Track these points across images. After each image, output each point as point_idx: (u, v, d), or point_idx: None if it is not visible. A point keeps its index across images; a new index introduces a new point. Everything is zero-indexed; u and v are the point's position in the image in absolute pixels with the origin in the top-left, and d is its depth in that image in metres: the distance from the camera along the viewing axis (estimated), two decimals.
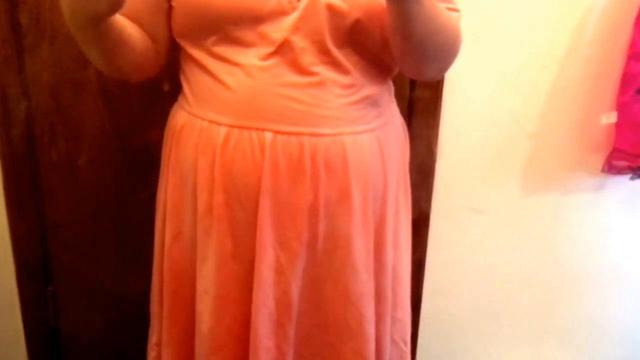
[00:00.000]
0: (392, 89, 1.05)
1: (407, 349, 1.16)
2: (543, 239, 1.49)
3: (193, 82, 0.96)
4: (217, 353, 0.99)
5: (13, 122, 1.30)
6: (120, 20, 0.87)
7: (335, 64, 0.90)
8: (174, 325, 1.05)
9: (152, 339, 1.13)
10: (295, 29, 0.87)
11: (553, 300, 1.55)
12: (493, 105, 1.38)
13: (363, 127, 0.95)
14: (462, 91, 1.35)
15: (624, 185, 1.44)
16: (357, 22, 0.87)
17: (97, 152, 1.35)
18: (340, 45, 0.89)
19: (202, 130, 0.93)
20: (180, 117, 0.98)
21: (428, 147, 1.38)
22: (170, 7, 0.94)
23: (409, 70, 0.98)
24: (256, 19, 0.87)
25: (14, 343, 1.46)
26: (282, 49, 0.88)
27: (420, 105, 1.34)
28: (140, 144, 1.33)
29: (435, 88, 1.33)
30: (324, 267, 0.97)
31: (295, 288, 0.96)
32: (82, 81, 1.30)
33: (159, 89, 1.25)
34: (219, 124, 0.91)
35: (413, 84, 1.32)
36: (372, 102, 0.96)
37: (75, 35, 0.86)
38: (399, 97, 1.08)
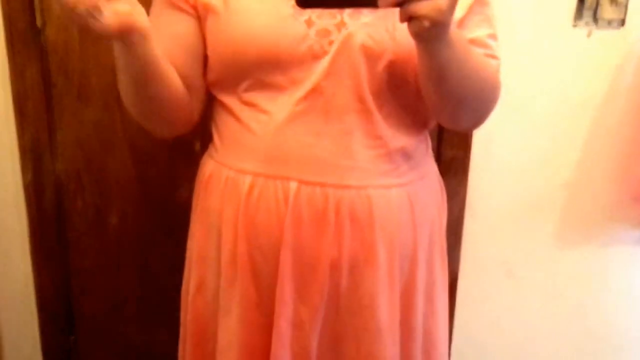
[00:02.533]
0: (429, 142, 1.00)
1: None
2: (579, 296, 1.44)
3: (222, 130, 0.95)
4: None
5: (40, 171, 1.31)
6: (161, 57, 0.85)
7: (366, 112, 0.87)
8: None
9: None
10: (327, 74, 0.85)
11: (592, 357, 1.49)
12: (525, 156, 1.34)
13: (393, 180, 0.91)
14: (492, 145, 1.32)
15: None
16: (390, 65, 0.85)
17: (124, 204, 1.36)
18: (372, 92, 0.86)
19: (228, 179, 0.92)
20: (208, 166, 0.97)
21: (459, 206, 1.34)
22: (206, 57, 0.93)
23: (443, 120, 0.94)
24: (287, 64, 0.85)
25: None
26: (313, 95, 0.86)
27: (448, 162, 1.31)
28: (168, 200, 1.33)
29: (465, 144, 1.30)
30: (347, 326, 0.93)
31: (314, 344, 0.93)
32: (109, 134, 1.31)
33: (190, 147, 1.27)
34: (244, 172, 0.90)
35: (440, 139, 1.29)
36: (403, 154, 0.92)
37: (118, 72, 0.85)
38: None
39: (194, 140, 1.25)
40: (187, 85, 0.93)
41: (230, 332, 0.94)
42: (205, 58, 0.92)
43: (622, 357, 1.49)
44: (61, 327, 1.41)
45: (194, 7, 0.89)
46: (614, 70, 1.29)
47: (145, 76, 0.84)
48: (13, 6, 1.20)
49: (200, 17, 0.89)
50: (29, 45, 1.23)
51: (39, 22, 1.22)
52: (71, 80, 1.27)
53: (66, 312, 1.41)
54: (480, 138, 1.31)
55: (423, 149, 0.97)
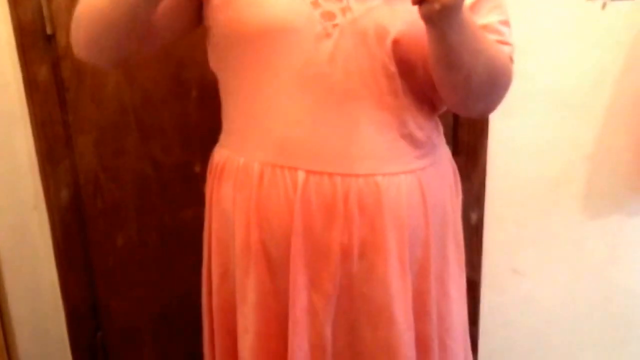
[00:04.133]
0: (441, 127, 0.99)
1: None
2: (607, 267, 1.42)
3: (231, 118, 0.95)
4: None
5: (59, 175, 1.33)
6: None
7: (372, 98, 0.86)
8: None
9: None
10: (331, 58, 0.84)
11: (625, 335, 1.47)
12: (546, 129, 1.32)
13: (402, 167, 0.91)
14: (509, 120, 1.30)
15: None
16: (397, 50, 0.83)
17: (142, 203, 1.37)
18: (378, 77, 0.85)
19: (239, 168, 0.92)
20: (221, 155, 0.98)
21: (477, 187, 1.33)
22: (210, 32, 0.92)
23: (453, 106, 0.93)
24: (290, 45, 0.84)
25: None
26: (317, 80, 0.85)
27: (465, 144, 1.30)
28: (186, 197, 1.35)
29: (481, 124, 1.29)
30: (361, 313, 0.93)
31: (329, 331, 0.93)
32: (124, 135, 1.33)
33: (191, 170, 1.31)
34: (254, 160, 0.90)
35: (456, 120, 1.28)
36: (413, 141, 0.91)
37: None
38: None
39: (194, 163, 1.30)
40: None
41: (246, 319, 0.95)
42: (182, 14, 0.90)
43: None
44: (88, 325, 1.43)
45: None
46: (631, 42, 1.27)
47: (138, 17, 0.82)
48: (23, 17, 1.21)
49: None
50: (41, 52, 1.24)
51: (49, 30, 1.23)
52: (84, 83, 1.28)
53: (92, 310, 1.43)
54: (498, 116, 1.27)
55: (434, 134, 0.96)
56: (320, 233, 0.89)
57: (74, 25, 0.88)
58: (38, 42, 1.23)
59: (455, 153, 1.28)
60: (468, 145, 1.30)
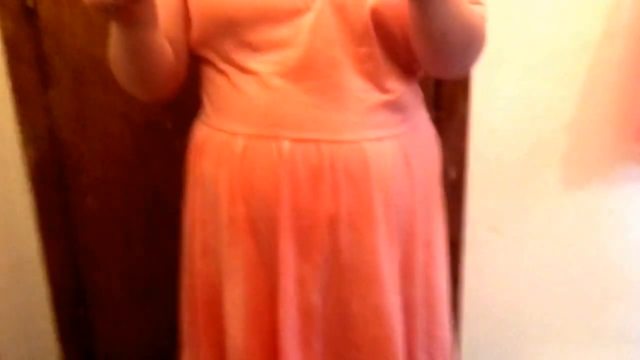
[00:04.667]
0: (421, 93, 1.00)
1: None
2: (588, 237, 1.43)
3: (212, 94, 0.95)
4: None
5: (42, 149, 1.33)
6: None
7: (354, 66, 0.87)
8: (208, 343, 1.03)
9: (185, 357, 1.11)
10: (312, 29, 0.84)
11: (603, 303, 1.49)
12: (526, 99, 1.33)
13: (386, 132, 0.91)
14: (492, 87, 1.31)
15: None
16: (375, 18, 0.84)
17: (125, 176, 1.37)
18: (358, 45, 0.86)
19: (221, 142, 0.92)
20: (201, 130, 0.98)
21: (459, 163, 1.34)
22: (190, 18, 0.92)
23: (432, 69, 0.94)
24: (270, 21, 0.85)
25: None
26: (300, 52, 0.85)
27: (448, 118, 1.30)
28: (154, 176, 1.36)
29: (463, 93, 1.29)
30: (350, 281, 0.93)
31: (318, 299, 0.94)
32: (108, 110, 1.32)
33: (164, 126, 1.31)
34: (237, 134, 0.90)
35: (438, 90, 1.28)
36: (395, 106, 0.92)
37: (116, 43, 0.86)
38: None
39: (165, 120, 1.29)
40: (173, 48, 0.93)
41: (235, 293, 0.95)
42: (188, 18, 0.92)
43: (631, 298, 1.49)
44: (72, 300, 1.43)
45: None
46: (610, 9, 1.27)
47: (145, 45, 0.85)
48: None
49: None
50: (22, 26, 1.23)
51: (29, 2, 1.22)
52: (67, 59, 1.27)
53: (76, 285, 1.43)
54: (480, 86, 1.30)
55: (414, 99, 0.97)
56: (308, 201, 0.89)
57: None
58: (19, 16, 1.22)
59: (437, 108, 1.29)
60: (450, 99, 1.30)
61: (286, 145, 0.87)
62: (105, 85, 1.28)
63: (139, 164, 1.36)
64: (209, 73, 0.94)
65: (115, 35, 0.85)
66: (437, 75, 1.02)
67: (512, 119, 1.34)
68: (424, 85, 1.01)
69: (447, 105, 1.30)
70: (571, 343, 1.50)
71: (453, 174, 1.34)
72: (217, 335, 1.01)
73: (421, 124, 0.99)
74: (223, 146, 0.92)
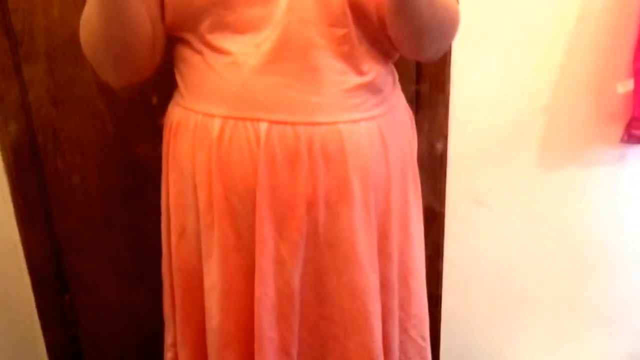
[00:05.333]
0: (396, 75, 1.01)
1: (427, 345, 1.14)
2: (563, 216, 1.46)
3: (187, 75, 0.94)
4: (227, 347, 0.98)
5: (16, 132, 1.29)
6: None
7: (330, 47, 0.87)
8: (188, 325, 1.04)
9: (168, 339, 1.12)
10: (289, 10, 0.84)
11: (578, 279, 1.52)
12: (504, 82, 1.34)
13: (362, 114, 0.92)
14: (470, 72, 1.32)
15: None
16: None
17: (102, 163, 1.35)
18: (334, 26, 0.86)
19: (197, 124, 0.91)
20: (175, 113, 0.97)
21: (439, 134, 1.35)
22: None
23: (406, 51, 0.95)
24: (247, 2, 0.84)
25: (36, 355, 1.46)
26: (276, 33, 0.85)
27: (428, 94, 1.31)
28: (139, 152, 1.33)
29: (443, 75, 1.30)
30: (327, 259, 0.95)
31: (296, 279, 0.95)
32: (82, 90, 1.29)
33: (148, 102, 1.27)
34: (213, 116, 0.89)
35: (419, 73, 1.29)
36: (371, 88, 0.93)
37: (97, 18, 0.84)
38: (404, 89, 1.05)
39: (151, 95, 1.26)
40: (151, 26, 0.91)
41: (212, 274, 0.95)
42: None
43: (604, 274, 1.53)
44: (54, 287, 1.42)
45: None
46: None
47: (125, 18, 0.83)
48: None
49: None
50: None
51: None
52: (37, 38, 1.24)
53: (58, 272, 1.41)
54: (458, 68, 1.31)
55: (389, 81, 0.98)
56: (286, 183, 0.90)
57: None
58: None
59: (419, 81, 1.30)
60: (431, 74, 1.30)
61: (263, 126, 0.87)
62: (83, 61, 1.24)
63: (120, 143, 1.33)
64: (183, 53, 0.93)
65: (98, 5, 0.82)
66: (411, 58, 1.02)
67: (491, 100, 1.35)
68: (405, 60, 1.01)
69: (427, 78, 1.30)
70: (547, 314, 1.54)
71: (431, 145, 1.35)
72: (196, 317, 1.02)
73: (397, 105, 1.00)
74: (199, 127, 0.91)
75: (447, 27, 0.90)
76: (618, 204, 1.46)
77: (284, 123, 0.87)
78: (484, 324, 1.54)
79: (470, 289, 1.50)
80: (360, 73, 0.90)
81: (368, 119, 0.92)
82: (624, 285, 1.54)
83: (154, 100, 1.26)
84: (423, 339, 1.12)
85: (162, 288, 1.11)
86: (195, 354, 1.05)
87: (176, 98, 0.98)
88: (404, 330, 1.08)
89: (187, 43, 0.91)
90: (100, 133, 1.32)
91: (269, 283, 0.94)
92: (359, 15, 0.86)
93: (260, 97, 0.87)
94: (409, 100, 1.07)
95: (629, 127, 1.34)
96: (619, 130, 1.35)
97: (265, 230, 0.91)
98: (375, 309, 0.98)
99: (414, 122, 1.07)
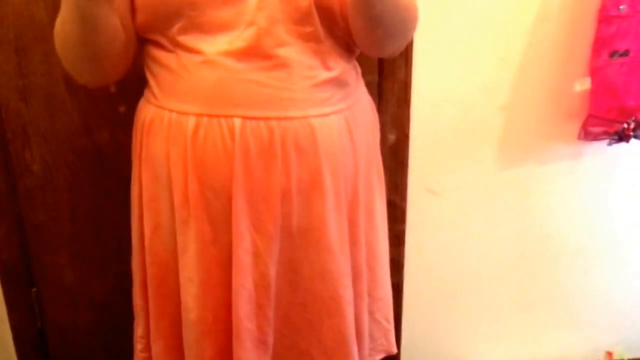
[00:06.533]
0: (359, 69, 1.04)
1: (391, 327, 1.18)
2: (521, 212, 1.49)
3: (159, 75, 0.95)
4: (205, 338, 1.00)
5: None
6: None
7: (299, 44, 0.90)
8: (161, 318, 1.05)
9: (138, 331, 1.13)
10: (258, 9, 0.87)
11: (534, 271, 1.55)
12: (464, 81, 1.37)
13: (331, 108, 0.95)
14: (431, 69, 1.34)
15: (601, 152, 1.43)
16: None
17: (69, 153, 1.35)
18: (302, 25, 0.89)
19: (171, 122, 0.93)
20: (147, 111, 0.98)
21: (400, 130, 1.37)
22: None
23: (367, 49, 0.98)
24: (217, 3, 0.87)
25: (3, 348, 1.47)
26: (246, 33, 0.87)
27: (390, 88, 1.34)
28: (106, 142, 1.34)
29: (404, 69, 1.32)
30: (300, 248, 0.98)
31: (272, 270, 0.97)
32: (45, 86, 1.29)
33: (106, 90, 1.28)
34: (187, 114, 0.91)
35: (381, 66, 1.31)
36: (338, 83, 0.96)
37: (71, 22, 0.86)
38: (367, 81, 1.08)
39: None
40: (124, 28, 0.93)
41: (189, 268, 0.97)
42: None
43: (561, 265, 1.56)
44: (22, 280, 1.43)
45: None
46: None
47: (103, 20, 0.85)
48: None
49: None
50: None
51: None
52: (6, 31, 1.25)
53: (25, 265, 1.42)
54: (419, 66, 1.33)
55: (353, 75, 1.01)
56: (261, 177, 0.92)
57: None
58: None
59: (380, 73, 1.33)
60: (391, 66, 1.33)
61: (237, 122, 0.89)
62: (46, 50, 1.25)
63: (85, 134, 1.34)
64: (154, 54, 0.95)
65: (72, 11, 0.84)
66: (371, 54, 1.05)
67: (451, 97, 1.38)
68: (367, 79, 1.05)
69: (389, 72, 1.33)
70: (504, 306, 1.58)
71: (392, 138, 1.37)
72: (170, 310, 1.04)
73: (361, 98, 1.04)
74: (173, 125, 0.93)
75: (407, 26, 0.93)
76: (575, 199, 1.49)
77: (258, 118, 0.90)
78: (444, 310, 1.57)
79: (431, 275, 1.53)
80: (328, 68, 0.93)
81: (337, 112, 0.96)
82: (580, 279, 1.57)
83: (112, 88, 1.26)
84: (388, 321, 1.16)
85: (128, 280, 1.12)
86: (169, 346, 1.06)
87: (147, 96, 0.99)
88: (370, 313, 1.11)
89: (158, 44, 0.93)
90: (67, 125, 1.33)
91: (246, 275, 0.96)
92: (325, 15, 0.89)
93: (233, 95, 0.89)
94: (372, 95, 1.10)
95: (585, 124, 1.37)
96: (576, 127, 1.39)
97: (241, 224, 0.93)
98: (347, 294, 1.01)
99: (376, 114, 1.10)
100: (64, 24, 0.88)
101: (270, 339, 1.01)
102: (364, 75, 1.06)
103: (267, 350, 1.01)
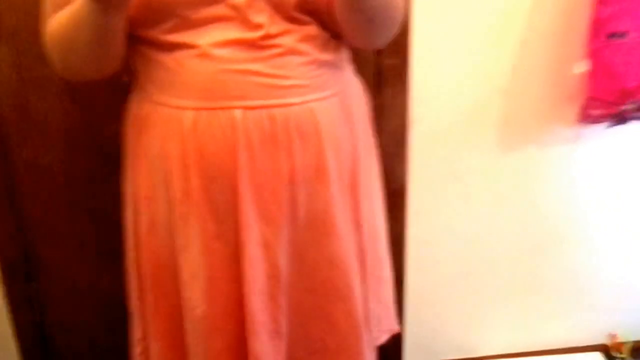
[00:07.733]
0: (347, 51, 1.04)
1: (392, 306, 1.19)
2: (523, 195, 1.49)
3: (151, 72, 0.94)
4: (214, 335, 0.98)
5: None
6: None
7: (292, 33, 0.90)
8: (158, 317, 1.04)
9: (136, 334, 1.11)
10: (249, 4, 0.86)
11: (537, 255, 1.56)
12: (463, 65, 1.37)
13: (328, 91, 0.95)
14: (430, 54, 1.34)
15: (601, 134, 1.43)
16: None
17: (67, 148, 1.35)
18: (294, 13, 0.89)
19: (168, 116, 0.92)
20: (142, 107, 0.97)
21: (401, 115, 1.37)
22: None
23: (352, 41, 0.98)
24: (210, 4, 0.86)
25: (4, 344, 1.46)
26: (240, 24, 0.87)
27: (390, 73, 1.33)
28: (105, 135, 1.32)
29: (403, 54, 1.32)
30: (307, 234, 0.97)
31: (283, 260, 0.97)
32: (45, 79, 1.28)
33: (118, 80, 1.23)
34: (185, 108, 0.90)
35: (380, 52, 1.31)
36: (332, 66, 0.96)
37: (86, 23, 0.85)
38: (365, 67, 1.09)
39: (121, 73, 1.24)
40: None
41: (192, 265, 0.96)
42: None
43: (564, 248, 1.57)
44: (22, 275, 1.42)
45: None
46: None
47: (114, 29, 0.85)
48: None
49: None
50: None
51: None
52: (6, 24, 1.23)
53: (24, 260, 1.41)
54: (420, 49, 1.33)
55: (345, 57, 1.02)
56: (266, 167, 0.91)
57: (48, 53, 0.92)
58: None
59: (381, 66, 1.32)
60: (391, 70, 1.34)
61: (238, 114, 0.89)
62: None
63: (87, 125, 1.33)
64: (145, 52, 0.93)
65: (86, 18, 0.84)
66: (356, 46, 1.06)
67: (451, 83, 1.38)
68: (365, 65, 1.05)
69: (388, 56, 1.32)
70: (510, 291, 1.58)
71: (393, 123, 1.37)
72: (167, 309, 1.03)
73: (352, 80, 1.05)
74: (170, 120, 0.92)
75: (392, 18, 0.93)
76: (575, 182, 1.49)
77: (259, 107, 0.89)
78: (448, 299, 1.58)
79: (435, 262, 1.53)
80: (321, 54, 0.93)
81: (334, 95, 0.96)
82: (583, 262, 1.58)
83: (125, 77, 1.24)
84: (390, 301, 1.17)
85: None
86: (167, 345, 1.05)
87: (140, 92, 0.98)
88: (375, 294, 1.11)
89: (148, 40, 0.91)
90: (67, 116, 1.32)
91: (257, 267, 0.95)
92: (311, 8, 0.89)
93: (231, 87, 0.88)
94: (372, 80, 1.10)
95: (585, 107, 1.37)
96: (575, 110, 1.39)
97: (249, 216, 0.92)
98: (355, 278, 1.01)
99: (363, 92, 1.10)
100: (67, 30, 0.87)
101: (284, 329, 1.01)
102: (365, 59, 1.07)
103: (282, 339, 1.01)
